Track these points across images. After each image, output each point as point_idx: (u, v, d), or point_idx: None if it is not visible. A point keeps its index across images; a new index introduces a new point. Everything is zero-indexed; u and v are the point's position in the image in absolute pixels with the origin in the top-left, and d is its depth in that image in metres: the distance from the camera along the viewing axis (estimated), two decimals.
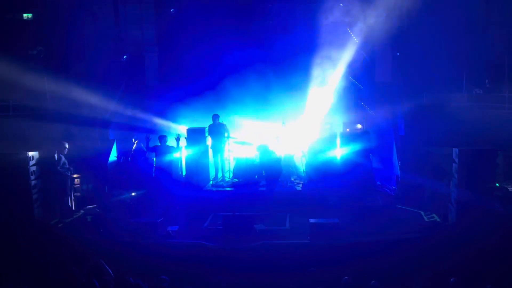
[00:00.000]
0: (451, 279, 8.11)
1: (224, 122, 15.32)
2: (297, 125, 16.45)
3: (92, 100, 16.19)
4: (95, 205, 13.68)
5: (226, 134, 15.08)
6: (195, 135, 14.91)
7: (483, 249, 9.94)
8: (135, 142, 14.50)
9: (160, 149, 14.29)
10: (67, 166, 13.35)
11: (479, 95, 16.58)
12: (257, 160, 13.36)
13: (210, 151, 15.23)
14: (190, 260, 10.41)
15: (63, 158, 13.29)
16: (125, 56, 18.10)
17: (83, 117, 15.19)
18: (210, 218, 12.96)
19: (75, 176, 13.93)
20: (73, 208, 13.72)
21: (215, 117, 14.98)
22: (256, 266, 10.04)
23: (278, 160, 12.10)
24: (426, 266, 9.30)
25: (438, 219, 12.51)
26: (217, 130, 15.00)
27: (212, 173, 15.27)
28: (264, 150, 11.75)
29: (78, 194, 14.14)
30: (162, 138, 14.41)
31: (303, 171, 14.99)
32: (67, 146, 13.50)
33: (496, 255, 9.82)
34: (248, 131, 16.71)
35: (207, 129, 15.17)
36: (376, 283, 8.03)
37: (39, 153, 12.63)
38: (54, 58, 16.95)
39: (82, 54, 16.82)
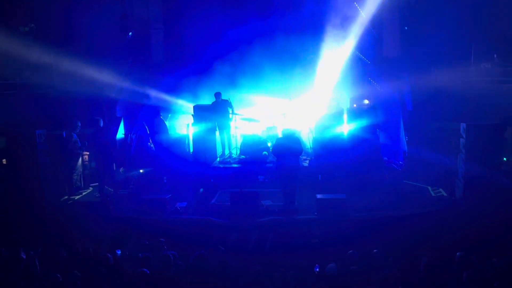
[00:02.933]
0: (457, 254, 8.10)
1: (229, 99, 15.18)
2: (304, 101, 16.33)
3: (98, 77, 16.12)
4: (102, 183, 13.75)
5: (230, 111, 14.99)
6: (201, 112, 14.84)
7: (490, 224, 9.90)
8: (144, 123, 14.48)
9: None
10: (79, 145, 13.38)
11: (488, 69, 16.34)
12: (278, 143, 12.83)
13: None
14: (198, 234, 10.44)
15: (74, 137, 13.30)
16: (130, 33, 17.94)
17: (91, 94, 15.14)
18: (218, 194, 13.02)
19: (85, 154, 13.97)
20: (82, 186, 13.80)
21: (218, 95, 14.87)
22: (263, 242, 10.06)
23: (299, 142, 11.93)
24: (433, 241, 9.28)
25: (445, 194, 12.49)
26: (220, 107, 14.90)
27: (219, 150, 15.25)
28: (288, 133, 11.53)
29: (87, 171, 14.20)
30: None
31: (310, 147, 14.94)
32: (79, 124, 13.50)
33: (503, 229, 9.79)
34: (255, 107, 16.63)
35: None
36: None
37: (48, 131, 12.64)
38: (59, 35, 16.82)
39: (88, 31, 16.67)
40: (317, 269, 8.17)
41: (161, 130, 14.40)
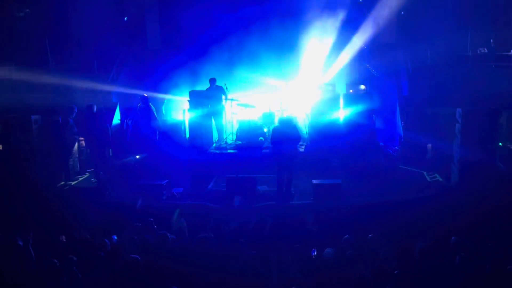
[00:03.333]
0: (452, 238, 8.13)
1: (224, 85, 15.08)
2: (299, 87, 16.28)
3: (94, 62, 16.02)
4: (98, 168, 13.72)
5: (224, 97, 14.91)
6: (197, 98, 14.75)
7: (485, 209, 9.93)
8: (139, 105, 14.38)
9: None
10: (75, 130, 13.30)
11: (484, 54, 16.30)
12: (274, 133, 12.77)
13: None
14: (194, 220, 10.45)
15: (71, 122, 13.23)
16: (126, 18, 17.80)
17: (86, 79, 15.04)
18: (214, 180, 13.00)
19: (81, 139, 13.92)
20: (79, 171, 13.77)
21: (212, 81, 14.77)
22: (259, 227, 10.07)
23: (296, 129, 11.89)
24: (428, 226, 9.31)
25: (440, 179, 12.52)
26: (215, 93, 14.81)
27: (215, 136, 15.22)
28: (285, 120, 11.45)
29: (83, 157, 14.16)
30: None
31: (306, 132, 14.92)
32: (75, 109, 13.42)
33: (498, 214, 9.81)
34: (251, 93, 16.56)
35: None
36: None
37: (43, 117, 12.57)
38: (54, 20, 16.68)
39: (83, 15, 16.53)
40: (314, 253, 8.20)
41: (146, 117, 14.29)
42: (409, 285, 6.83)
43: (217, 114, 14.95)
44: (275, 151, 11.64)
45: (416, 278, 6.93)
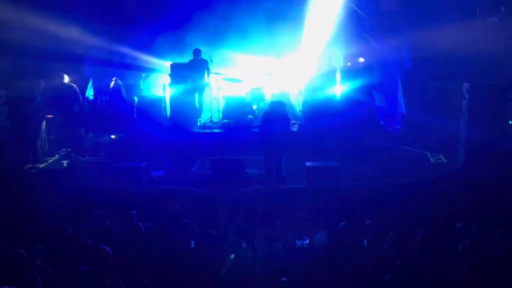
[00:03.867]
0: (457, 225, 8.19)
1: (210, 58, 14.96)
2: (292, 60, 16.21)
3: (64, 32, 15.74)
4: (69, 149, 13.63)
5: (206, 72, 14.82)
6: (180, 71, 14.64)
7: (493, 193, 9.99)
8: (114, 79, 14.27)
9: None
10: (43, 106, 13.15)
11: (494, 23, 16.25)
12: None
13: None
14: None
15: (38, 97, 13.06)
16: None
17: (55, 51, 14.81)
18: (198, 162, 13.00)
19: (49, 117, 13.77)
20: (48, 152, 13.66)
21: (197, 52, 14.65)
22: (247, 214, 10.06)
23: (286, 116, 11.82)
24: (432, 211, 9.37)
25: (445, 161, 12.59)
26: (198, 67, 14.69)
27: (199, 114, 15.14)
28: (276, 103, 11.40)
29: (52, 136, 14.05)
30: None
31: (300, 110, 14.89)
32: (43, 83, 13.24)
33: (507, 198, 9.88)
34: (239, 66, 16.47)
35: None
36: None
37: (8, 91, 12.40)
38: None
39: None
40: (307, 241, 8.23)
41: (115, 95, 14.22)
42: (410, 275, 6.87)
43: (201, 89, 14.88)
44: (262, 131, 11.60)
45: (417, 268, 6.97)
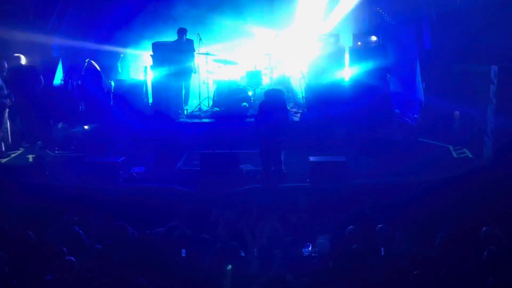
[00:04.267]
0: (483, 228, 8.23)
1: (199, 36, 14.96)
2: (294, 38, 16.21)
3: (29, 6, 15.73)
4: (39, 142, 13.65)
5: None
6: (163, 52, 14.65)
7: None
8: (87, 61, 14.27)
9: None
10: (5, 92, 13.16)
11: None
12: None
13: None
14: (160, 209, 10.49)
15: (0, 82, 13.09)
16: None
17: (18, 28, 14.80)
18: (185, 157, 13.04)
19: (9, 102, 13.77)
20: (11, 145, 13.69)
21: (182, 32, 14.64)
22: (242, 215, 10.11)
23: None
24: (454, 213, 9.41)
25: (470, 155, 12.64)
26: (184, 48, 14.70)
27: (186, 101, 15.16)
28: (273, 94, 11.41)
29: (17, 127, 14.07)
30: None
31: (302, 96, 14.92)
32: (6, 65, 13.25)
33: None
34: (232, 46, 16.47)
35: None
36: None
37: None
38: None
39: None
40: (309, 248, 8.28)
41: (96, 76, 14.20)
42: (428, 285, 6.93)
43: (187, 73, 14.88)
44: (259, 121, 11.63)
45: (435, 278, 7.02)
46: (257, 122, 11.73)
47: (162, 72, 14.51)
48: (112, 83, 14.49)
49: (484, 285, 6.91)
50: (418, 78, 15.03)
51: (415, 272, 7.10)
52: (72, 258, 7.52)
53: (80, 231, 8.66)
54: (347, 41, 15.97)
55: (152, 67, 14.76)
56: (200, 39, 14.84)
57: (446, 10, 15.42)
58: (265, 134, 11.45)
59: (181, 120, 14.47)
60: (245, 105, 14.50)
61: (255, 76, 15.17)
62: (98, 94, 14.34)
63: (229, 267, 7.39)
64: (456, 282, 7.04)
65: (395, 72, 15.14)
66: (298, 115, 14.36)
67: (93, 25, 16.60)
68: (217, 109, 14.78)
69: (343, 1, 16.23)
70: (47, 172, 11.77)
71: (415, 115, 14.87)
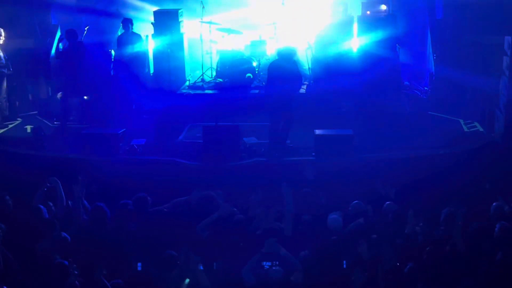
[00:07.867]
0: (493, 204, 8.19)
1: (202, 3, 14.81)
2: (300, 7, 16.06)
3: None
4: (35, 112, 13.61)
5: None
6: (165, 20, 14.54)
7: None
8: (86, 29, 14.18)
9: (123, 38, 14.04)
10: (4, 61, 13.17)
11: None
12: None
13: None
14: (161, 182, 10.46)
15: None
16: None
17: None
18: (187, 129, 13.06)
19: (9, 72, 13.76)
20: (8, 116, 13.69)
21: None
22: (246, 191, 10.07)
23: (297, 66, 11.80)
24: (465, 188, 9.38)
25: (481, 129, 12.60)
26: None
27: (188, 72, 15.08)
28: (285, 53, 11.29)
29: (14, 97, 14.10)
30: (126, 22, 14.08)
31: (309, 68, 14.82)
32: (3, 34, 13.17)
33: None
34: (236, 14, 16.32)
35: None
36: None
37: None
38: None
39: None
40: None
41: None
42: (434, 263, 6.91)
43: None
44: (269, 92, 11.54)
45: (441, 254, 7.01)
46: (266, 91, 11.67)
47: (163, 41, 14.42)
48: (113, 53, 14.38)
49: (492, 260, 6.90)
50: (429, 49, 14.93)
51: (428, 248, 7.10)
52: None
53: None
54: (355, 10, 15.83)
55: (153, 36, 14.68)
56: (203, 7, 14.69)
57: None
58: (274, 106, 11.40)
59: (183, 91, 14.41)
60: (249, 76, 14.42)
61: (259, 46, 15.07)
62: (98, 64, 14.25)
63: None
64: (464, 256, 7.03)
65: (405, 43, 15.02)
66: (304, 87, 14.27)
67: None
68: (220, 80, 14.72)
69: None
70: (45, 144, 11.80)
71: (425, 87, 14.80)
